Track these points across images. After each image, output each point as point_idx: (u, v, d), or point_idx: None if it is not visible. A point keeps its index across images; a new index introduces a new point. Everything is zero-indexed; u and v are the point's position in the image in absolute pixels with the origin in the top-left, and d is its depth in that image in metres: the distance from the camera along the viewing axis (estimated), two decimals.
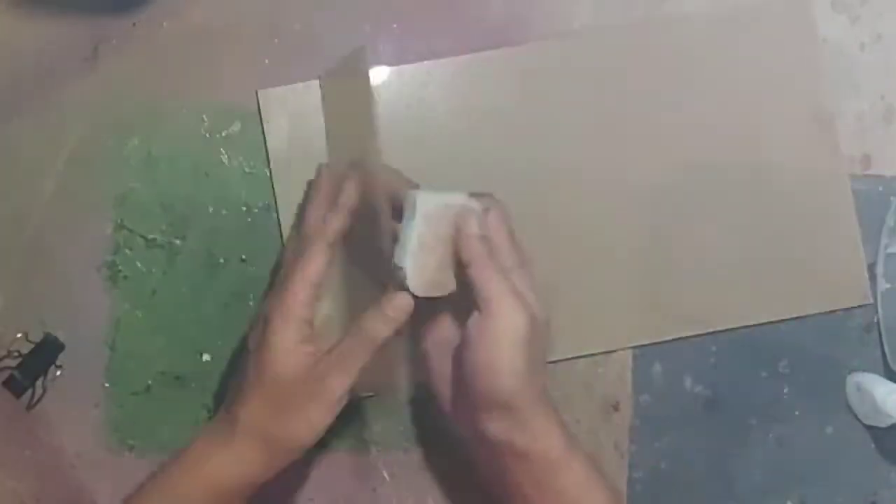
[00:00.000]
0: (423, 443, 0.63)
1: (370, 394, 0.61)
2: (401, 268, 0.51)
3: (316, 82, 0.63)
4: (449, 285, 0.53)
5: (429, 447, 0.63)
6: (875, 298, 0.64)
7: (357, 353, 0.53)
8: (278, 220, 0.62)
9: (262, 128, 0.62)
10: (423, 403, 0.63)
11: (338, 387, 0.53)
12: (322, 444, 0.62)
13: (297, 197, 0.61)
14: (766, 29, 0.65)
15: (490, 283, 0.52)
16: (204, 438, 0.55)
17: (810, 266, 0.64)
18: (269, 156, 0.62)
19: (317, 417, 0.53)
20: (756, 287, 0.64)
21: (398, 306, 0.52)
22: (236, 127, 0.63)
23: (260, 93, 0.62)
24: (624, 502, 0.61)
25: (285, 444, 0.54)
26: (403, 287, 0.52)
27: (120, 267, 0.62)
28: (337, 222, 0.56)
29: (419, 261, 0.52)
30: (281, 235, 0.62)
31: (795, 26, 0.65)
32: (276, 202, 0.62)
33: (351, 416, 0.62)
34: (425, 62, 0.63)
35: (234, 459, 0.53)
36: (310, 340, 0.54)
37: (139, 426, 0.62)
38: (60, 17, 0.62)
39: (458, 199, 0.54)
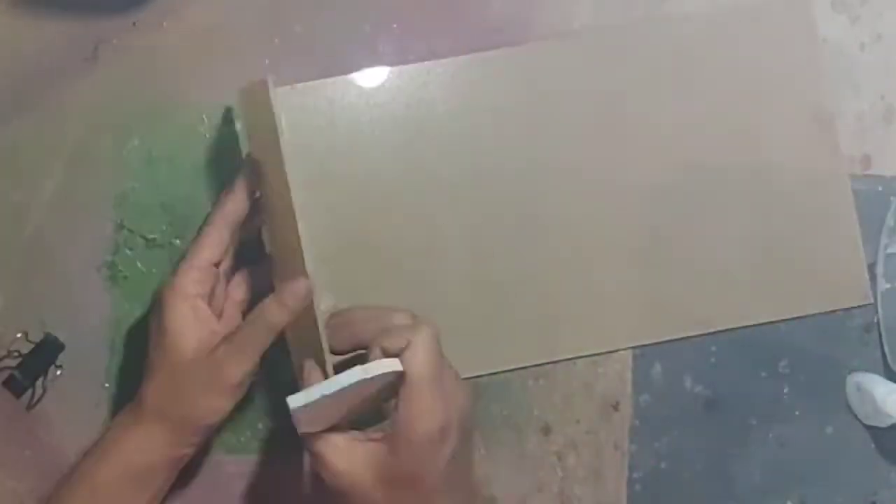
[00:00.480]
0: None
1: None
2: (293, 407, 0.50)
3: (316, 82, 0.63)
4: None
5: None
6: (875, 298, 0.64)
7: (256, 340, 0.53)
8: None
9: None
10: None
11: (235, 373, 0.53)
12: None
13: (296, 197, 0.61)
14: (766, 29, 0.65)
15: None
16: (116, 423, 0.55)
17: (810, 266, 0.64)
18: None
19: (217, 402, 0.53)
20: (756, 287, 0.64)
21: (296, 294, 0.52)
22: (236, 127, 0.63)
23: None
24: None
25: (190, 423, 0.54)
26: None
27: (120, 267, 0.62)
28: (230, 204, 0.56)
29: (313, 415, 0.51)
30: None
31: (795, 26, 0.65)
32: None
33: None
34: (425, 62, 0.63)
35: (144, 440, 0.54)
36: (207, 320, 0.54)
37: None
38: (60, 17, 0.62)
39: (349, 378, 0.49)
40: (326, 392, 0.49)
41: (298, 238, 0.53)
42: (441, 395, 0.49)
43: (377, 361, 0.50)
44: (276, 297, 0.53)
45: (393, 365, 0.50)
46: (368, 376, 0.49)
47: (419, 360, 0.49)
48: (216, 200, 0.58)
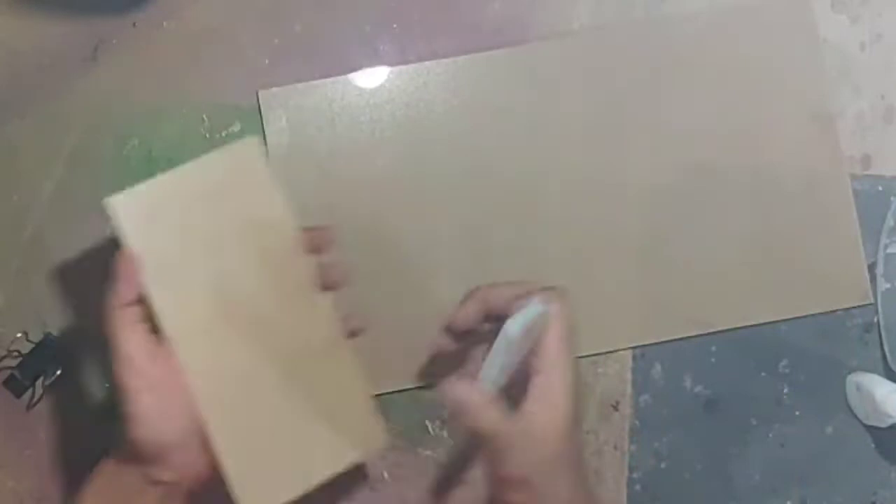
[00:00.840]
0: (423, 443, 0.63)
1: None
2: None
3: (316, 82, 0.63)
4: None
5: (429, 447, 0.63)
6: (875, 298, 0.64)
7: None
8: None
9: (263, 128, 0.63)
10: (423, 403, 0.63)
11: None
12: None
13: (296, 196, 0.61)
14: (766, 29, 0.65)
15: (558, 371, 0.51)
16: (114, 458, 0.53)
17: (810, 266, 0.64)
18: (269, 155, 0.62)
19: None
20: (756, 287, 0.64)
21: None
22: (236, 127, 0.63)
23: (260, 93, 0.62)
24: None
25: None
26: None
27: None
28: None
29: (496, 377, 0.51)
30: None
31: (795, 26, 0.65)
32: None
33: None
34: (425, 62, 0.63)
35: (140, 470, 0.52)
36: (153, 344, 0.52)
37: None
38: (60, 17, 0.62)
39: (536, 310, 0.50)
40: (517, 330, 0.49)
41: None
42: (572, 374, 0.51)
43: (530, 306, 0.50)
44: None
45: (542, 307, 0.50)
46: (527, 319, 0.49)
47: (559, 327, 0.51)
48: None
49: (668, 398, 0.64)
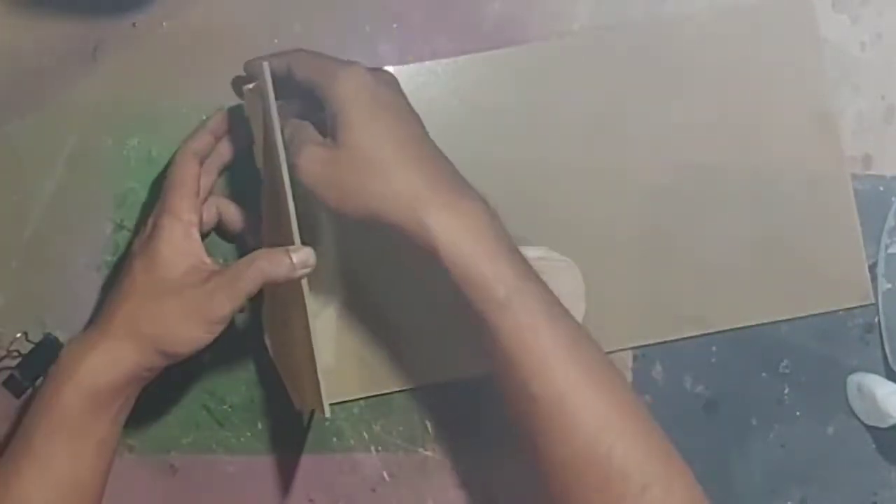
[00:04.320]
0: (423, 443, 0.63)
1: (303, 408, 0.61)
2: None
3: None
4: None
5: (429, 447, 0.63)
6: (876, 298, 0.64)
7: (250, 279, 0.53)
8: None
9: None
10: (423, 403, 0.63)
11: (224, 307, 0.53)
12: (322, 444, 0.62)
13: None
14: (767, 29, 0.65)
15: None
16: (71, 346, 0.55)
17: (811, 266, 0.64)
18: None
19: (196, 332, 0.53)
20: (756, 287, 0.64)
21: (304, 260, 0.53)
22: (237, 127, 0.63)
23: None
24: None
25: (163, 347, 0.54)
26: None
27: None
28: (201, 134, 0.58)
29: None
30: None
31: (796, 26, 0.65)
32: None
33: (351, 416, 0.62)
34: (425, 62, 0.63)
35: (104, 359, 0.53)
36: (198, 249, 0.55)
37: (139, 426, 0.62)
38: (60, 17, 0.62)
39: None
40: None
41: (290, 222, 0.54)
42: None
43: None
44: (282, 252, 0.53)
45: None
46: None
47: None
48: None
49: (668, 398, 0.64)
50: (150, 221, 0.56)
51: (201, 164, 0.58)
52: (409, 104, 0.55)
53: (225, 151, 0.61)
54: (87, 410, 0.53)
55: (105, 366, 0.53)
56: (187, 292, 0.53)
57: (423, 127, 0.55)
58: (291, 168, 0.53)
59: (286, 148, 0.53)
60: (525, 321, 0.50)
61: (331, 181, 0.52)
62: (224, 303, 0.53)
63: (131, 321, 0.54)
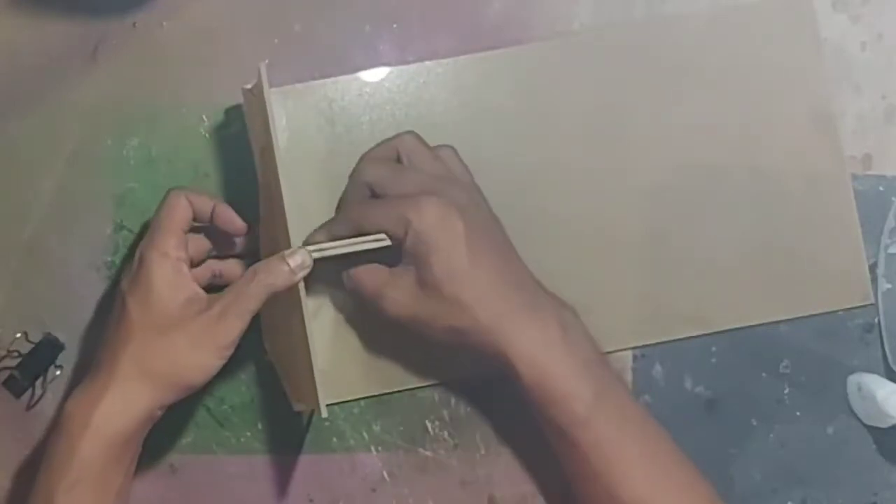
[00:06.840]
0: (423, 443, 0.63)
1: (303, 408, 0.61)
2: None
3: (316, 82, 0.63)
4: None
5: (429, 447, 0.63)
6: (876, 299, 0.64)
7: (252, 298, 0.53)
8: None
9: None
10: (423, 403, 0.63)
11: (231, 331, 0.53)
12: (322, 444, 0.62)
13: (297, 197, 0.61)
14: (767, 29, 0.65)
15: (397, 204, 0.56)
16: (77, 397, 0.54)
17: (811, 266, 0.64)
18: None
19: (207, 360, 0.54)
20: (756, 287, 0.64)
21: (301, 263, 0.54)
22: (236, 127, 0.63)
23: None
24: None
25: (173, 381, 0.54)
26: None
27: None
28: (202, 194, 0.58)
29: None
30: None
31: (796, 26, 0.65)
32: None
33: (351, 416, 0.62)
34: (425, 62, 0.63)
35: (117, 403, 0.52)
36: (189, 281, 0.55)
37: None
38: (60, 17, 0.62)
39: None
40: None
41: (285, 223, 0.54)
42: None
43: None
44: (279, 259, 0.54)
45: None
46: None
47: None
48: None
49: (668, 398, 0.64)
50: (137, 258, 0.55)
51: (193, 212, 0.57)
52: (481, 206, 0.59)
53: (217, 238, 0.60)
54: (107, 461, 0.53)
55: (119, 410, 0.53)
56: (191, 323, 0.53)
57: (500, 229, 0.58)
58: (380, 300, 0.56)
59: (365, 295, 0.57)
60: (605, 436, 0.54)
61: (418, 315, 0.56)
62: (234, 324, 0.53)
63: (139, 361, 0.53)
